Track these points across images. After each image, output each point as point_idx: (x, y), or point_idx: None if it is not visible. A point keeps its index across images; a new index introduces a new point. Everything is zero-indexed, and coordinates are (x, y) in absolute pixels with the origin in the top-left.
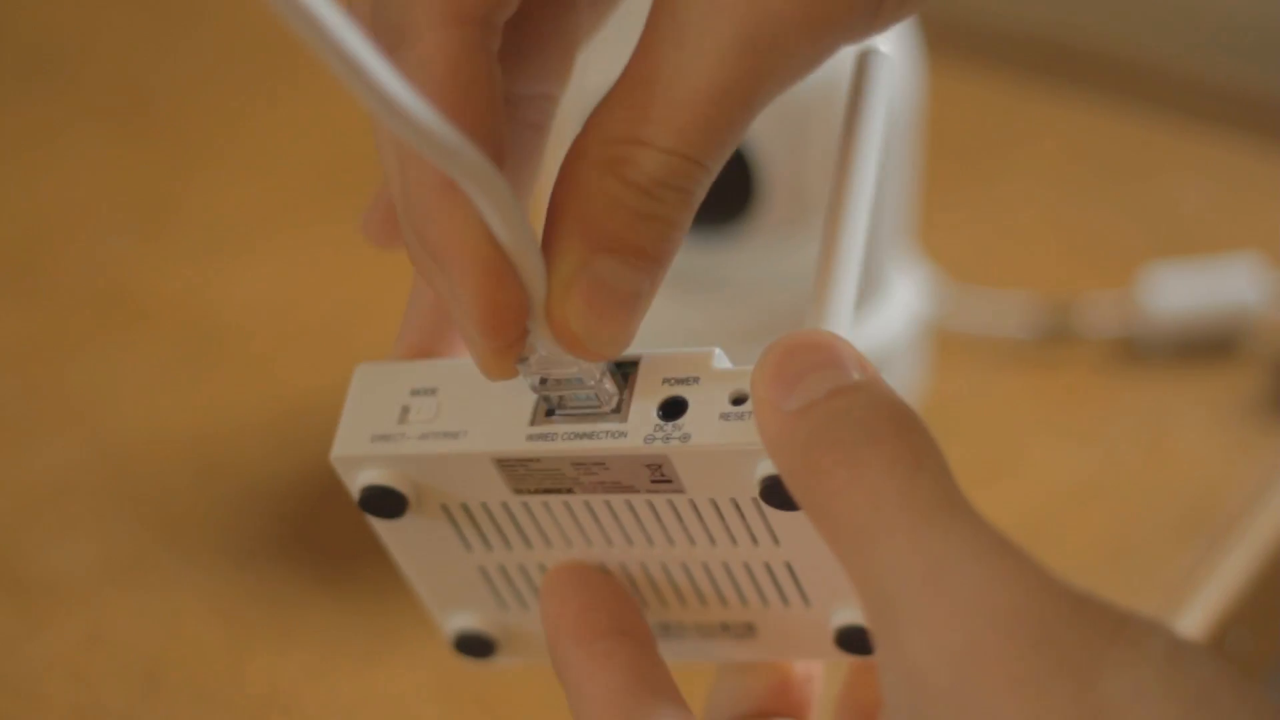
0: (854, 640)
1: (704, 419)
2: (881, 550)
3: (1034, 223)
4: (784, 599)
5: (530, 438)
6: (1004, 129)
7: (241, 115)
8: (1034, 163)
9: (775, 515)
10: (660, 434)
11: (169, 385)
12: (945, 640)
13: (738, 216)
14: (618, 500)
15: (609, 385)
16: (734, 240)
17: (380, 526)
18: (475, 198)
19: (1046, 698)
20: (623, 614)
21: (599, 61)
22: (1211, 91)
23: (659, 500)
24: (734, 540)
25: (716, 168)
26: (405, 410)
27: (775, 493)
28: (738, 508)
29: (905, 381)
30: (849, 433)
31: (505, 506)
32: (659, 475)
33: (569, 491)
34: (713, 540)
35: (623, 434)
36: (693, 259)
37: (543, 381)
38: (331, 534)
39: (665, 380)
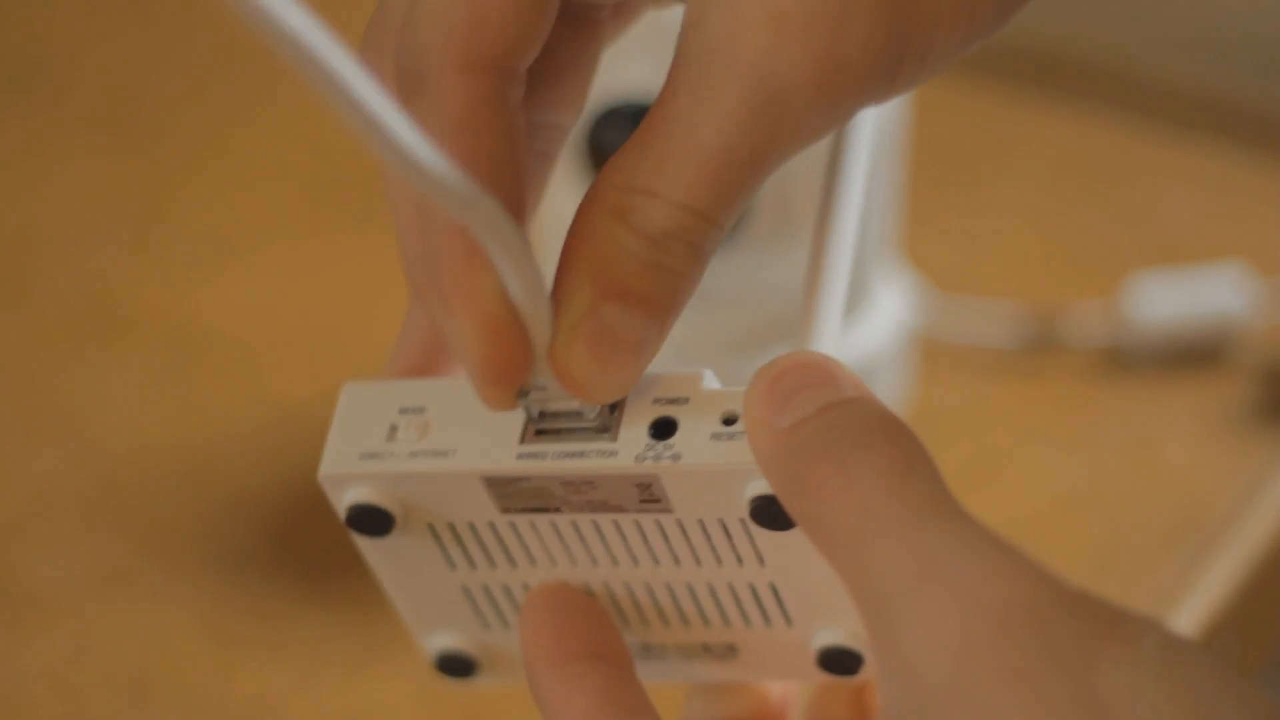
0: (836, 661)
1: (695, 439)
2: (874, 552)
3: (1020, 232)
4: (767, 620)
5: (520, 456)
6: (989, 138)
7: (230, 127)
8: (1019, 172)
9: (762, 536)
10: (651, 453)
11: (156, 395)
12: (941, 635)
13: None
14: (605, 520)
15: (603, 412)
16: (724, 250)
17: (365, 545)
18: (488, 246)
19: (1043, 692)
20: (599, 637)
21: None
22: (1197, 100)
23: (647, 520)
24: (720, 561)
25: (728, 224)
26: (394, 429)
27: (765, 513)
28: (725, 528)
29: (892, 391)
30: (839, 443)
31: (492, 526)
32: (648, 495)
33: (557, 511)
34: (698, 561)
35: (613, 453)
36: None
37: (541, 414)
38: (318, 544)
39: (655, 400)
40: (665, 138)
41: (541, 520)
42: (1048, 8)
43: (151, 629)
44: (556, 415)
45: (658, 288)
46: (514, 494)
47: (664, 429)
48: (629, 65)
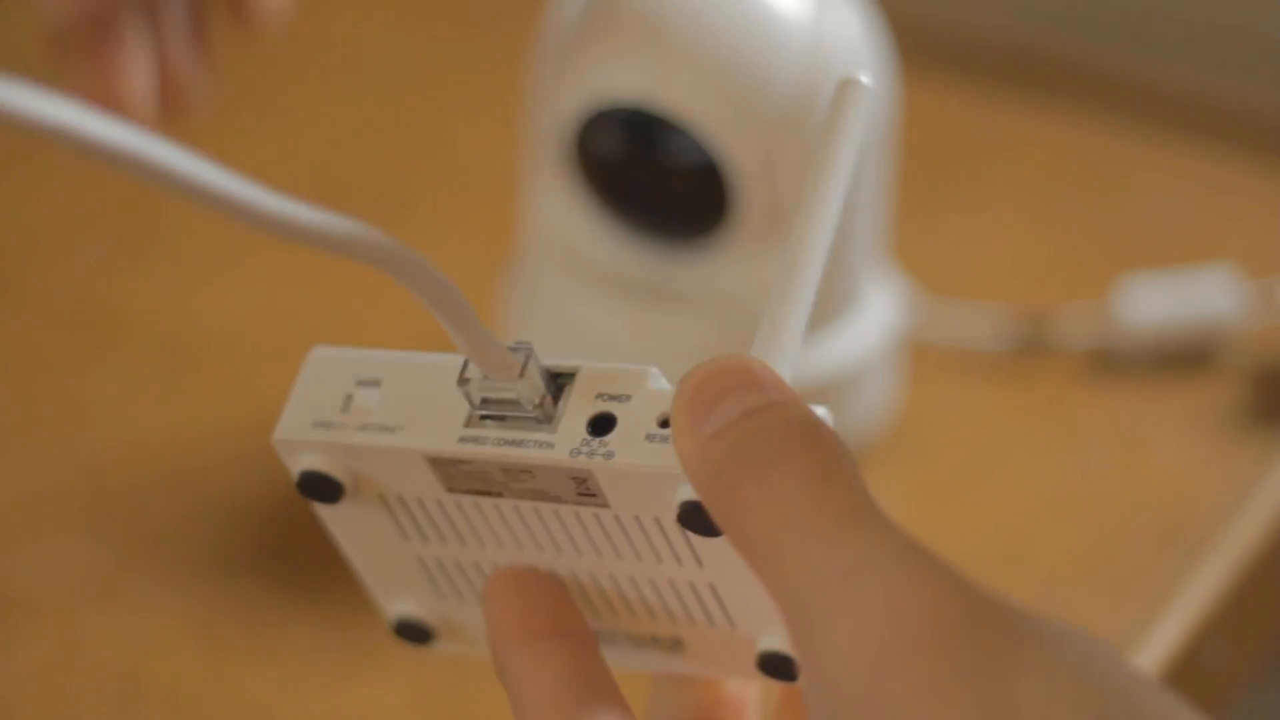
0: (775, 666)
1: (630, 438)
2: (792, 562)
3: (1010, 234)
4: (710, 619)
5: (462, 439)
6: (979, 141)
7: (223, 133)
8: (1009, 174)
9: (697, 539)
10: (586, 449)
11: (148, 400)
12: (857, 647)
13: (713, 229)
14: (546, 508)
15: (545, 403)
16: (709, 253)
17: (320, 510)
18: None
19: (957, 702)
20: (563, 616)
21: None
22: (1187, 102)
23: (585, 513)
24: (659, 558)
25: None
26: (349, 399)
27: (692, 518)
28: (661, 528)
29: (881, 394)
30: (758, 450)
31: (439, 503)
32: (584, 489)
33: (499, 495)
34: (638, 556)
35: (550, 445)
36: (668, 271)
37: (483, 401)
38: (307, 549)
39: (599, 395)
40: None
41: (486, 503)
42: (1038, 9)
43: (141, 633)
44: (498, 403)
45: None
46: (457, 475)
47: (602, 425)
48: (617, 69)
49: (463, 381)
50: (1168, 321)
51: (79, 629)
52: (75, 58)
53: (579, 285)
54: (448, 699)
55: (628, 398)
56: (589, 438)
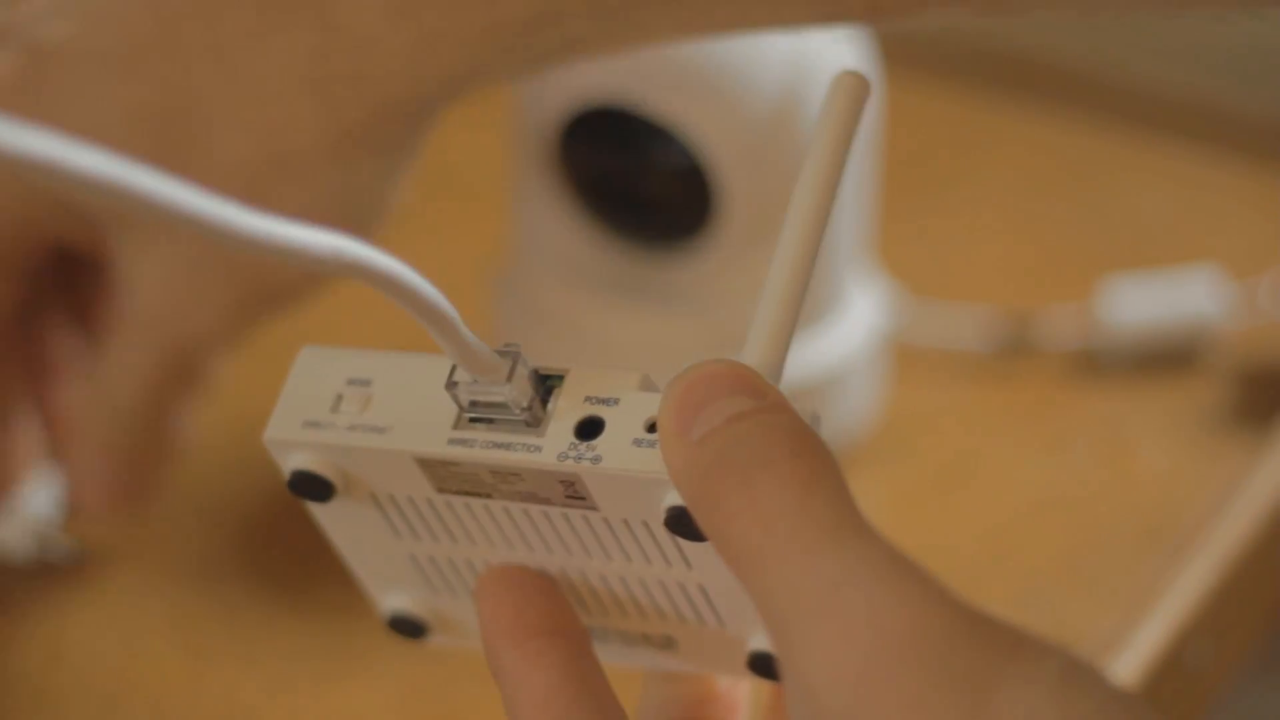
0: (764, 665)
1: (617, 442)
2: (776, 573)
3: (994, 236)
4: (700, 619)
5: (451, 442)
6: (962, 142)
7: None
8: (992, 176)
9: (685, 542)
10: (573, 453)
11: None
12: (840, 662)
13: (698, 232)
14: (535, 510)
15: (534, 406)
16: (694, 255)
17: (312, 508)
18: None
19: (939, 717)
20: (556, 612)
21: None
22: (1170, 102)
23: (574, 515)
24: (648, 560)
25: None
26: (339, 399)
27: (679, 524)
28: (650, 530)
29: (865, 396)
30: (744, 458)
31: (430, 502)
32: (573, 492)
33: (489, 496)
34: (628, 557)
35: (538, 448)
36: (654, 273)
37: (472, 404)
38: (292, 552)
39: (587, 399)
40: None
41: (476, 503)
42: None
43: (125, 637)
44: (487, 406)
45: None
46: (447, 476)
47: (589, 429)
48: (602, 71)
49: (451, 385)
50: (1152, 322)
51: (62, 633)
52: None
53: (566, 288)
54: (434, 701)
55: (616, 401)
56: (576, 441)
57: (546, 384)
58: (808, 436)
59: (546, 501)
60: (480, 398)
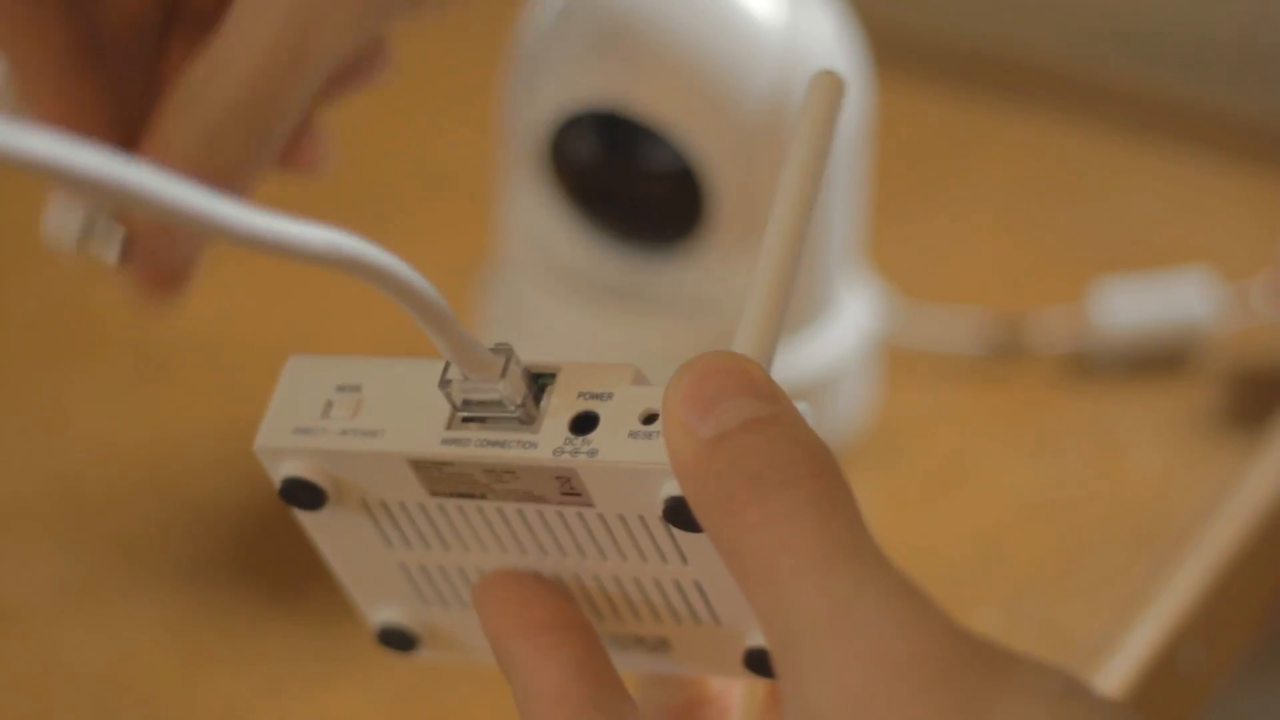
0: (761, 663)
1: (613, 436)
2: (789, 590)
3: (984, 238)
4: (695, 617)
5: (444, 442)
6: (954, 144)
7: None
8: (984, 178)
9: (682, 535)
10: (569, 448)
11: (123, 405)
12: (844, 683)
13: (689, 234)
14: (530, 509)
15: (527, 403)
16: (686, 257)
17: (303, 518)
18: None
19: None
20: (565, 609)
21: None
22: (1162, 105)
23: (569, 512)
24: (644, 556)
25: (287, 114)
26: (329, 405)
27: (678, 514)
28: (646, 525)
29: (857, 398)
30: (764, 471)
31: (422, 507)
32: (568, 488)
33: (482, 497)
34: (623, 555)
35: (533, 445)
36: (645, 276)
37: (465, 403)
38: (284, 554)
39: (580, 394)
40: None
41: (469, 506)
42: (1011, 13)
43: (118, 640)
44: (481, 404)
45: (215, 170)
46: (440, 478)
47: (584, 424)
48: (593, 74)
49: (444, 383)
50: (1143, 325)
51: (56, 636)
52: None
53: (556, 290)
54: (425, 705)
55: (610, 396)
56: (572, 436)
57: (539, 381)
58: (826, 455)
59: (542, 500)
60: (474, 396)
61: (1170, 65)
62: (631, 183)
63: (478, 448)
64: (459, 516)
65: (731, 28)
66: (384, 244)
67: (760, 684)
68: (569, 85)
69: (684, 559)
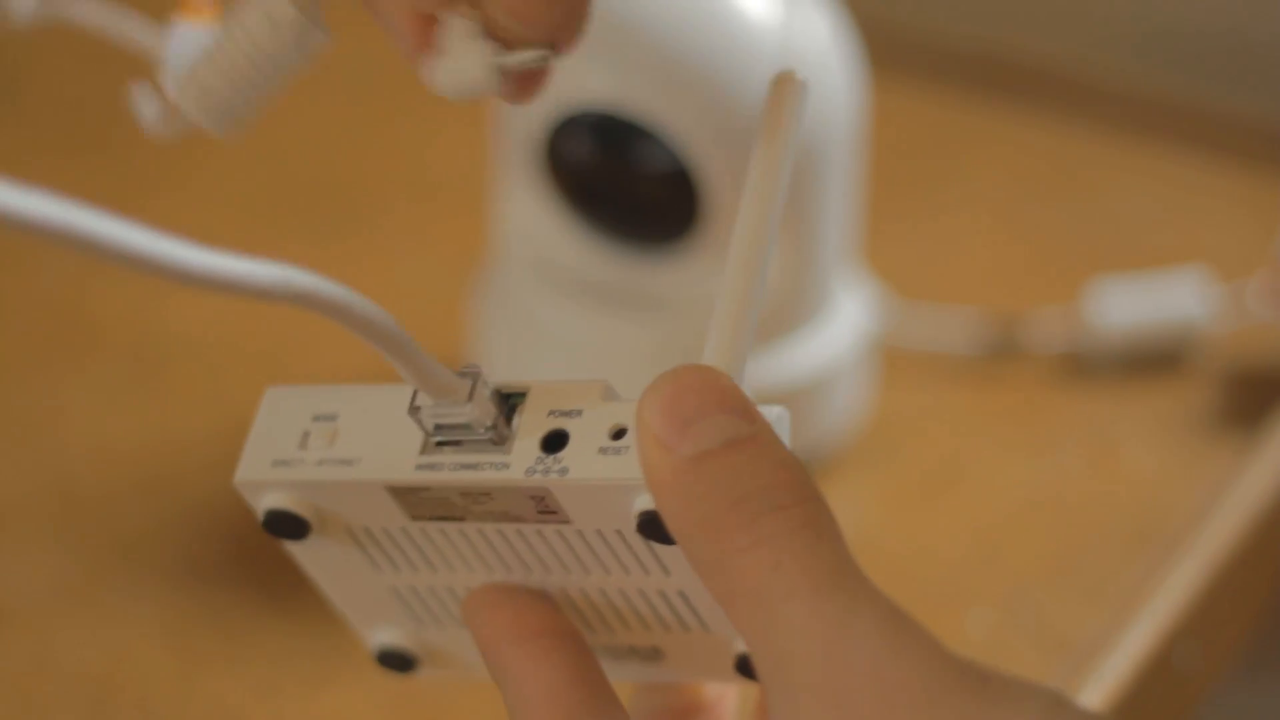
0: (752, 667)
1: (583, 453)
2: (781, 613)
3: (980, 239)
4: (684, 625)
5: (419, 467)
6: (949, 145)
7: (197, 142)
8: (979, 178)
9: (661, 547)
10: (540, 467)
11: (118, 407)
12: (839, 706)
13: (684, 234)
14: (509, 529)
15: (498, 425)
16: (678, 259)
17: (290, 547)
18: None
19: None
20: (554, 617)
21: None
22: (1156, 105)
23: (548, 530)
24: (626, 569)
25: None
26: (306, 435)
27: (652, 527)
28: (624, 539)
29: (852, 398)
30: (751, 493)
31: (405, 531)
32: (544, 507)
33: (462, 519)
34: (606, 569)
35: (505, 465)
36: (639, 277)
37: (437, 428)
38: (279, 555)
39: (551, 413)
40: None
41: (451, 528)
42: (1008, 13)
43: (113, 640)
44: (451, 428)
45: None
46: (419, 503)
47: (555, 442)
48: (587, 74)
49: (413, 410)
50: (1139, 325)
51: (51, 636)
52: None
53: (550, 291)
54: (421, 706)
55: (579, 413)
56: (543, 455)
57: (510, 401)
58: (808, 478)
59: (520, 519)
60: (444, 420)
61: (1166, 65)
62: (627, 183)
63: (451, 471)
64: (442, 539)
65: (726, 28)
66: (378, 245)
67: (752, 690)
68: (564, 86)
69: (665, 570)
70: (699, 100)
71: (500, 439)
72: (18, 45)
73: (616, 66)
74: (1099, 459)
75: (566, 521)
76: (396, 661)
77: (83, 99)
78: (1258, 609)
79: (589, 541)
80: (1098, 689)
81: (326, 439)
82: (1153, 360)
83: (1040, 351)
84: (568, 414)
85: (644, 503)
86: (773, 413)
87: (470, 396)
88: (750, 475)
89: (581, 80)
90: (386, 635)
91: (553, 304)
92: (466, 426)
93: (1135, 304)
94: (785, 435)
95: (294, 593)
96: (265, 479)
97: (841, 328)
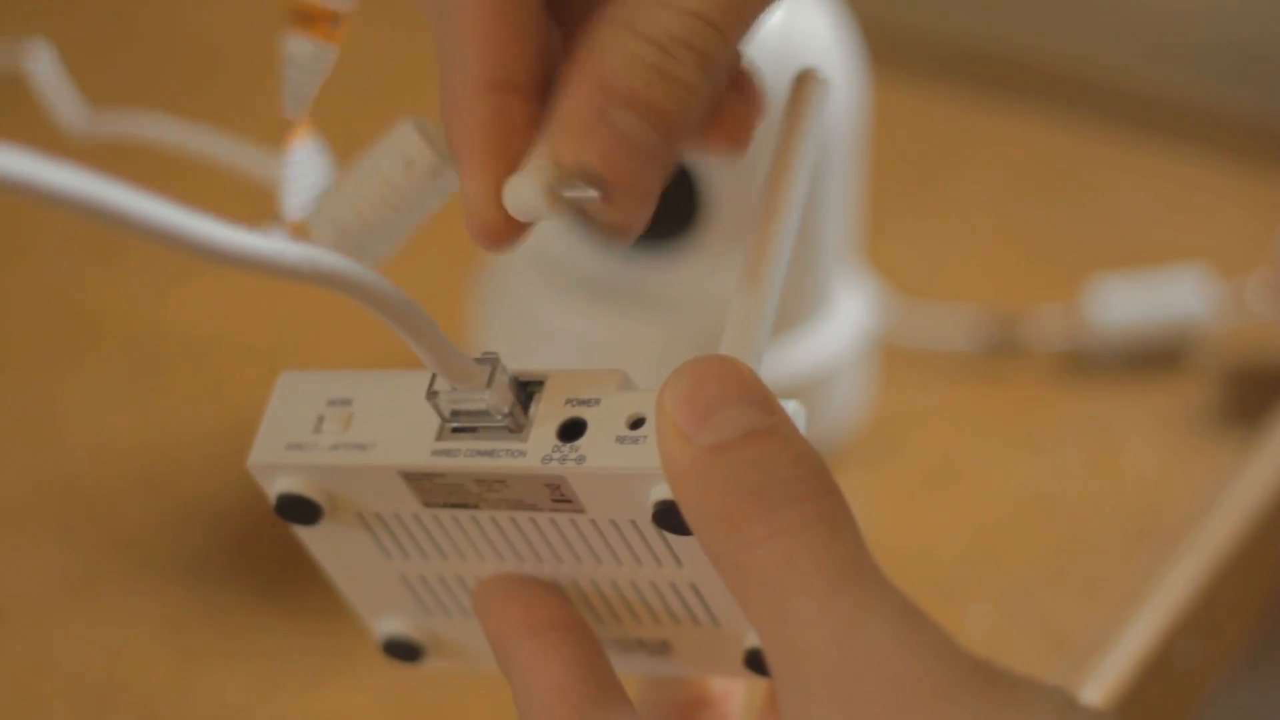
0: (761, 663)
1: (600, 442)
2: (795, 607)
3: (980, 236)
4: (694, 619)
5: (434, 453)
6: (949, 142)
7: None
8: (979, 176)
9: (675, 539)
10: (557, 455)
11: (119, 405)
12: (851, 700)
13: (684, 233)
14: (523, 518)
15: (515, 412)
16: (681, 257)
17: (301, 533)
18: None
19: None
20: (565, 610)
21: None
22: (1156, 102)
23: (562, 519)
24: (638, 560)
25: (735, 38)
26: (320, 420)
27: (668, 518)
28: (638, 529)
29: (852, 396)
30: (768, 485)
31: (418, 518)
32: (559, 495)
33: (476, 507)
34: (618, 559)
35: (522, 453)
36: (640, 274)
37: (453, 414)
38: (280, 553)
39: (568, 401)
40: None
41: (464, 515)
42: (1007, 11)
43: (114, 638)
44: (468, 414)
45: (666, 95)
46: (432, 489)
47: (572, 430)
48: None
49: (431, 395)
50: (1138, 322)
51: (52, 634)
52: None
53: (551, 289)
54: (422, 703)
55: (597, 401)
56: (560, 444)
57: (527, 389)
58: (826, 471)
59: (534, 508)
60: (461, 406)
61: (1166, 63)
62: None
63: (467, 458)
64: (454, 526)
65: None
66: None
67: (760, 685)
68: None
69: (678, 562)
70: None
71: (517, 426)
72: (18, 36)
73: None
74: (1099, 456)
75: (581, 511)
76: (403, 651)
77: (80, 88)
78: (1258, 606)
79: (603, 532)
80: (1098, 687)
81: (341, 423)
82: (1153, 358)
83: (1040, 349)
84: (585, 403)
85: (660, 492)
86: (789, 407)
87: (489, 383)
88: (769, 467)
89: None
90: (393, 624)
91: (554, 302)
92: (484, 413)
93: (1135, 302)
94: (802, 429)
95: (294, 590)
96: (278, 462)
97: (842, 325)
